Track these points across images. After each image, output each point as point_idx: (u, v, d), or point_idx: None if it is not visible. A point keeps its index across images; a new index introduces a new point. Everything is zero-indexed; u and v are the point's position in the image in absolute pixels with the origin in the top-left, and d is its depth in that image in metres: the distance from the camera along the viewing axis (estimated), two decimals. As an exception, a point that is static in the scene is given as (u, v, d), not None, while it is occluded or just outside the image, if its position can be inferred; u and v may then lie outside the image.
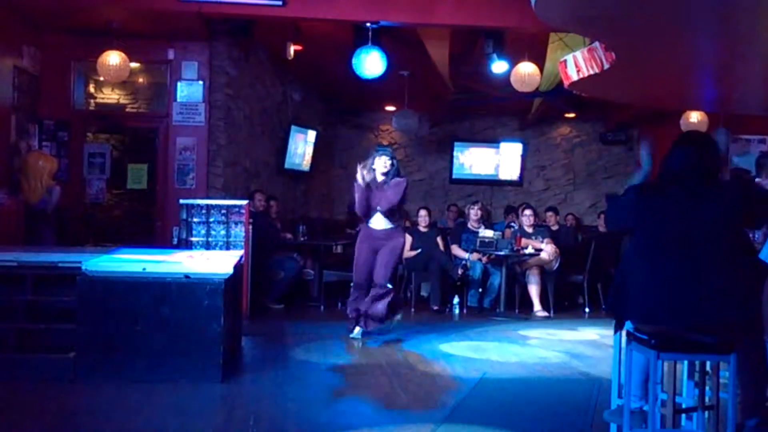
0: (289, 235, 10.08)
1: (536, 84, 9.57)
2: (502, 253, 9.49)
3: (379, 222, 7.43)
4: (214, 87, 9.51)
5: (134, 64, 9.37)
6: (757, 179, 5.96)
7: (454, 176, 14.78)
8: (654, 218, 3.64)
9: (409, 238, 9.91)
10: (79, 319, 5.56)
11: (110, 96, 10.77)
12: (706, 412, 3.85)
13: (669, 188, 3.69)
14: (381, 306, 7.35)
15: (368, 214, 7.40)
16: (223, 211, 8.29)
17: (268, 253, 9.16)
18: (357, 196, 7.37)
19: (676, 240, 3.58)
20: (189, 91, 9.46)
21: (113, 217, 11.58)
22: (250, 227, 8.39)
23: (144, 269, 5.70)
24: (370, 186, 7.34)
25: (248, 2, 8.11)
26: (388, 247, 7.42)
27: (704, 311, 3.51)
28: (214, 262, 6.07)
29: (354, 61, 8.50)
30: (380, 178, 7.37)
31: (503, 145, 14.79)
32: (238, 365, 6.28)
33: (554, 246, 9.79)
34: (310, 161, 12.45)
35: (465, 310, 9.69)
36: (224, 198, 8.98)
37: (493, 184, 14.87)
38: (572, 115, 14.30)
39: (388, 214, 7.38)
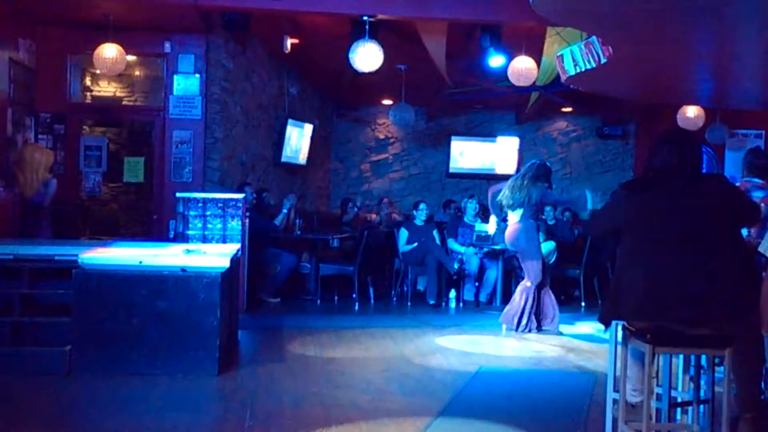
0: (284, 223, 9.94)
1: (533, 78, 9.56)
2: (498, 247, 9.50)
3: None
4: (211, 80, 9.48)
5: (130, 57, 9.34)
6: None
7: (450, 170, 14.77)
8: (645, 216, 3.64)
9: (405, 232, 9.92)
10: (75, 313, 5.56)
11: (106, 89, 10.75)
12: (702, 406, 3.86)
13: (657, 185, 3.69)
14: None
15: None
16: (220, 205, 8.29)
17: (264, 247, 9.16)
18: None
19: (668, 236, 3.58)
20: (185, 84, 9.44)
21: (110, 211, 11.57)
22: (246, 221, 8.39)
23: (140, 262, 5.70)
24: None
25: (245, -5, 8.10)
26: None
27: (701, 306, 3.51)
28: (211, 256, 6.07)
29: (351, 54, 8.48)
30: None
31: (500, 139, 14.77)
32: (234, 358, 6.29)
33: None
34: (306, 155, 12.43)
35: (461, 304, 9.72)
36: (221, 191, 8.97)
37: (489, 178, 14.82)
38: (569, 109, 14.28)
39: None
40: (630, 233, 3.69)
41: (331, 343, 7.04)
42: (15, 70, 8.50)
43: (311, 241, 10.08)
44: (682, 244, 3.56)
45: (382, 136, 14.84)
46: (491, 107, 14.64)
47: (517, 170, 14.63)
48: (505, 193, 7.97)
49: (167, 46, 9.41)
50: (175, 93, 9.44)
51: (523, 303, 7.80)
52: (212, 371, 5.56)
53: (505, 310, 7.99)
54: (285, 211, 9.75)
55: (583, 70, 8.28)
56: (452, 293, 9.77)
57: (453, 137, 14.75)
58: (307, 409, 4.91)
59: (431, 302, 9.48)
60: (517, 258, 9.56)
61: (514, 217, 7.93)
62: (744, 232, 4.52)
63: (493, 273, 9.74)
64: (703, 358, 3.81)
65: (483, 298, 9.86)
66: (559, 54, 8.74)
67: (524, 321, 7.77)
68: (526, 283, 7.88)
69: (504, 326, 7.90)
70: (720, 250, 3.57)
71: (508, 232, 8.02)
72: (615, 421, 4.04)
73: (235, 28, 8.87)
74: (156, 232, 9.36)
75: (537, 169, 7.94)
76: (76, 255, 5.70)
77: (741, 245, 3.80)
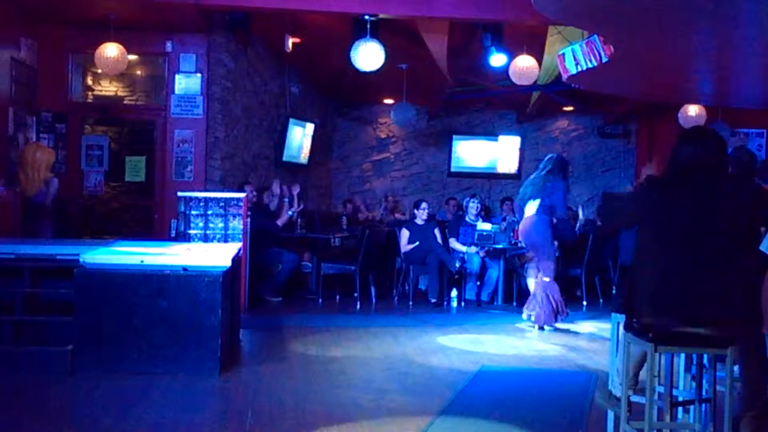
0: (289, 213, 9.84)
1: (535, 77, 9.56)
2: (500, 246, 9.51)
3: None
4: (213, 79, 9.49)
5: (132, 56, 9.35)
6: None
7: (452, 169, 14.79)
8: (662, 213, 3.63)
9: (406, 232, 9.92)
10: (77, 312, 5.56)
11: (108, 88, 10.75)
12: (703, 405, 3.85)
13: (677, 183, 3.68)
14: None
15: None
16: (221, 204, 8.30)
17: (265, 246, 9.16)
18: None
19: (683, 235, 3.57)
20: (187, 83, 9.44)
21: (111, 210, 11.56)
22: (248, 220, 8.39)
23: (142, 262, 5.70)
24: None
25: (246, -6, 8.11)
26: None
27: (709, 305, 3.51)
28: (212, 255, 6.07)
29: (352, 53, 8.49)
30: None
31: (501, 138, 14.79)
32: (236, 358, 6.30)
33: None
34: (308, 154, 12.44)
35: (463, 303, 9.72)
36: (222, 191, 8.98)
37: (491, 177, 14.88)
38: (570, 108, 14.29)
39: None
40: (647, 230, 3.69)
41: (332, 342, 7.04)
42: (17, 69, 8.51)
43: (313, 240, 10.08)
44: (697, 243, 3.55)
45: (383, 135, 14.84)
46: (492, 106, 14.65)
47: (518, 169, 14.76)
48: (525, 185, 8.15)
49: (169, 45, 9.42)
50: (176, 92, 9.45)
51: (551, 297, 7.85)
52: (213, 370, 5.56)
53: (536, 314, 7.90)
54: (291, 213, 9.71)
55: (584, 68, 8.28)
56: (454, 292, 9.77)
57: (454, 136, 14.76)
58: (309, 408, 4.91)
59: (433, 301, 9.47)
60: (518, 256, 9.58)
61: (530, 209, 7.92)
62: None
63: (495, 272, 9.74)
64: (705, 356, 3.80)
65: (484, 297, 9.85)
66: (560, 53, 8.74)
67: (559, 313, 7.90)
68: (544, 279, 7.88)
69: (547, 328, 7.88)
70: (734, 250, 3.56)
71: (522, 226, 8.06)
72: (616, 418, 4.04)
73: (236, 28, 8.89)
74: (157, 231, 9.37)
75: (555, 162, 7.98)
76: (78, 254, 5.70)
77: (756, 248, 3.79)
